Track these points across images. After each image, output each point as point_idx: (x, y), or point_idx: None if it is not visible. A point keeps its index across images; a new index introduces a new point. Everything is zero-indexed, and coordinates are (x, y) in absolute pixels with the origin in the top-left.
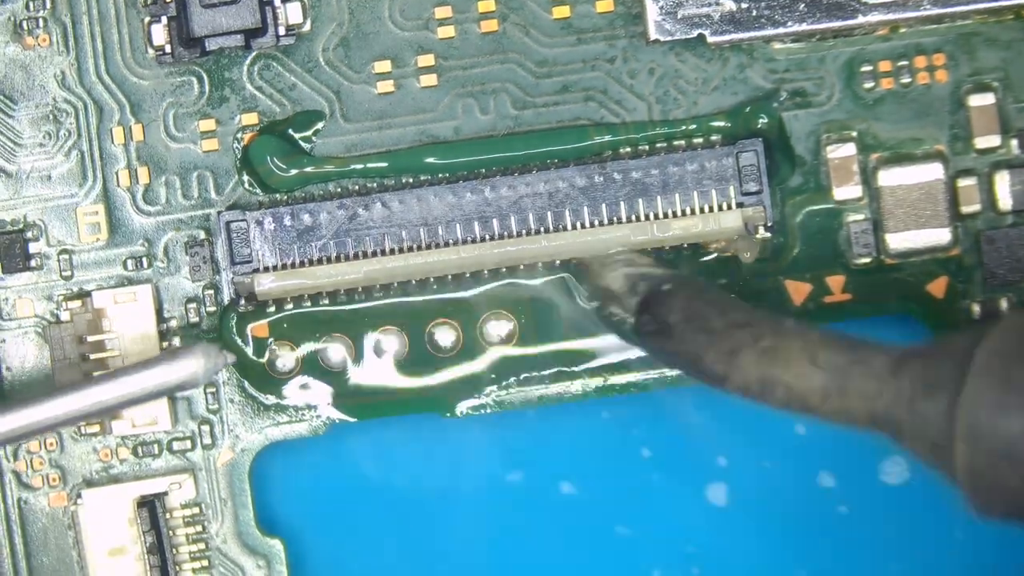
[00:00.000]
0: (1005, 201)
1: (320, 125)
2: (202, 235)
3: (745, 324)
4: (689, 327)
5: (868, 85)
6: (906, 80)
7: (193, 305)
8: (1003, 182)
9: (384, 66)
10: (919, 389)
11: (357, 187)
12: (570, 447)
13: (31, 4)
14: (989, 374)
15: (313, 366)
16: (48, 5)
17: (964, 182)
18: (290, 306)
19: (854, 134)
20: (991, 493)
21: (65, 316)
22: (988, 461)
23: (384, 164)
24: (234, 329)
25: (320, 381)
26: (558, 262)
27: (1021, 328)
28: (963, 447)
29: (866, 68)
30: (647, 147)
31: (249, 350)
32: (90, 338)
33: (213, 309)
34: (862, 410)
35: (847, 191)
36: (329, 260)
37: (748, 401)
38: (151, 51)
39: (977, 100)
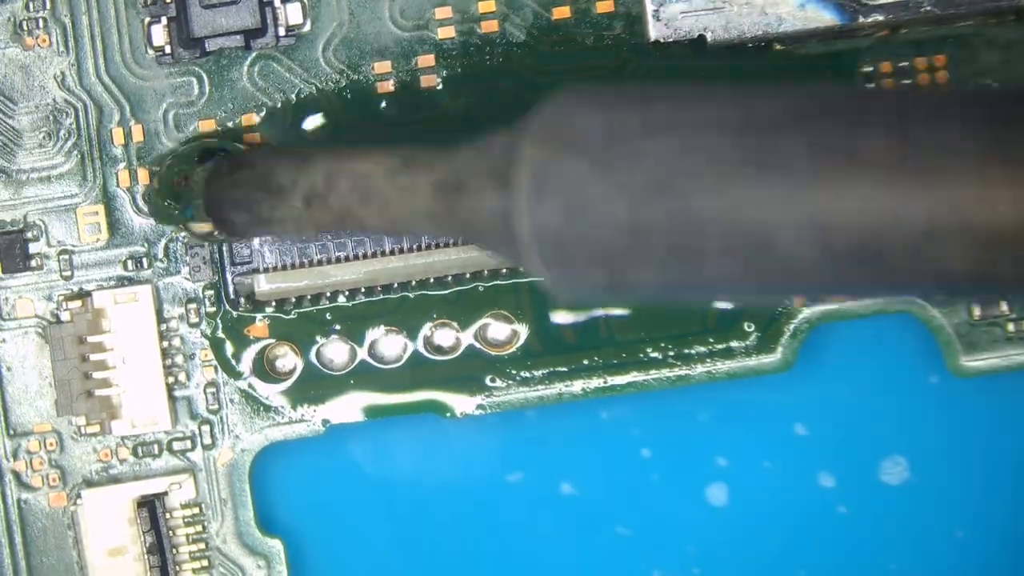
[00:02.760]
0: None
1: (320, 125)
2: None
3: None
4: (268, 154)
5: (869, 86)
6: (906, 81)
7: (193, 306)
8: None
9: (384, 66)
10: (492, 138)
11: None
12: (570, 447)
13: (31, 4)
14: (554, 102)
15: (313, 366)
16: (48, 5)
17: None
18: (290, 306)
19: None
20: (570, 282)
21: (65, 316)
22: (555, 253)
23: None
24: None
25: (320, 381)
26: None
27: (573, 92)
28: (528, 150)
29: (867, 69)
30: None
31: (249, 350)
32: (90, 338)
33: (213, 310)
34: (427, 179)
35: None
36: (329, 261)
37: (301, 220)
38: (151, 52)
39: None
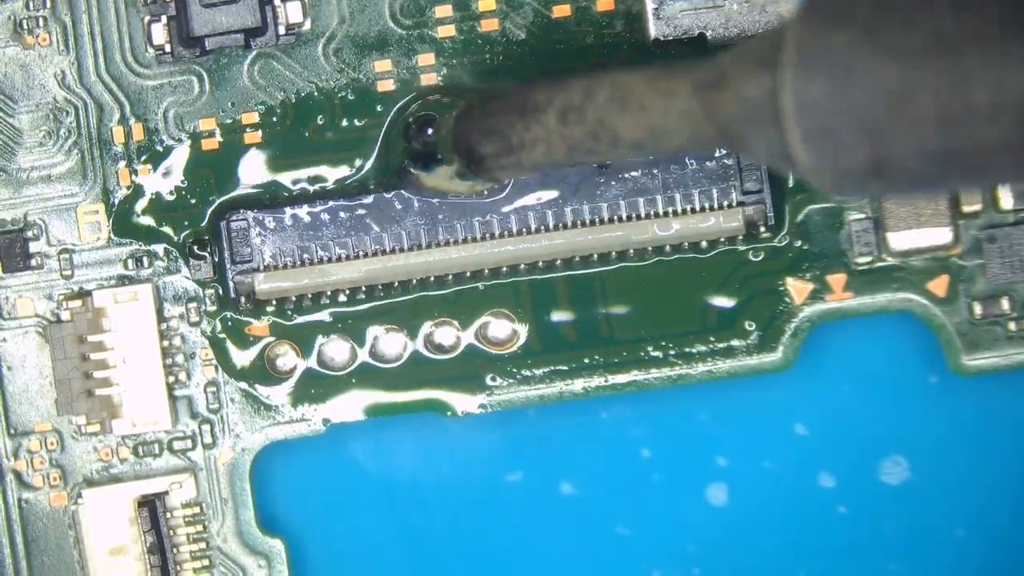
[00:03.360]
0: (1006, 200)
1: (320, 124)
2: (203, 235)
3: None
4: (524, 85)
5: None
6: None
7: (193, 305)
8: None
9: (384, 65)
10: (741, 69)
11: (357, 186)
12: (570, 447)
13: (31, 3)
14: (803, 41)
15: (313, 365)
16: (48, 4)
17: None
18: (290, 305)
19: None
20: (833, 161)
21: (65, 316)
22: (819, 127)
23: (385, 164)
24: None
25: (320, 380)
26: (559, 261)
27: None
28: (792, 116)
29: None
30: None
31: (250, 350)
32: (90, 338)
33: (214, 309)
34: (687, 83)
35: None
36: (329, 259)
37: (554, 138)
38: (151, 50)
39: None
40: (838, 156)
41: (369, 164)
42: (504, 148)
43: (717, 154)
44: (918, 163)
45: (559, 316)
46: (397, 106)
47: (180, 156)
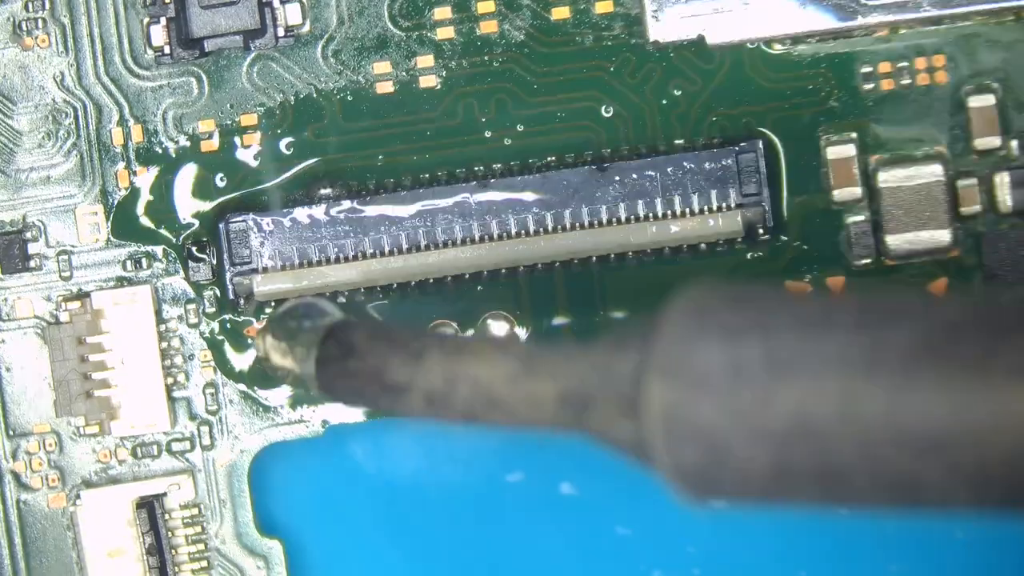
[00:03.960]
0: (1005, 202)
1: (319, 126)
2: (202, 236)
3: (433, 335)
4: (375, 340)
5: (868, 86)
6: (906, 81)
7: (192, 306)
8: (1003, 183)
9: (384, 67)
10: (610, 352)
11: (357, 188)
12: (570, 447)
13: (30, 5)
14: (677, 324)
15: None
16: (47, 6)
17: (964, 183)
18: None
19: (854, 135)
20: (683, 444)
21: (64, 317)
22: (681, 396)
23: (383, 165)
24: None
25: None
26: (557, 263)
27: (699, 296)
28: (655, 387)
29: (866, 69)
30: (646, 148)
31: (248, 351)
32: (89, 339)
33: (213, 310)
34: (551, 391)
35: (847, 192)
36: (328, 261)
37: (429, 416)
38: (150, 52)
39: (977, 101)
40: (719, 502)
41: None
42: (374, 408)
43: (716, 155)
44: (801, 506)
45: (558, 318)
46: None
47: (180, 157)
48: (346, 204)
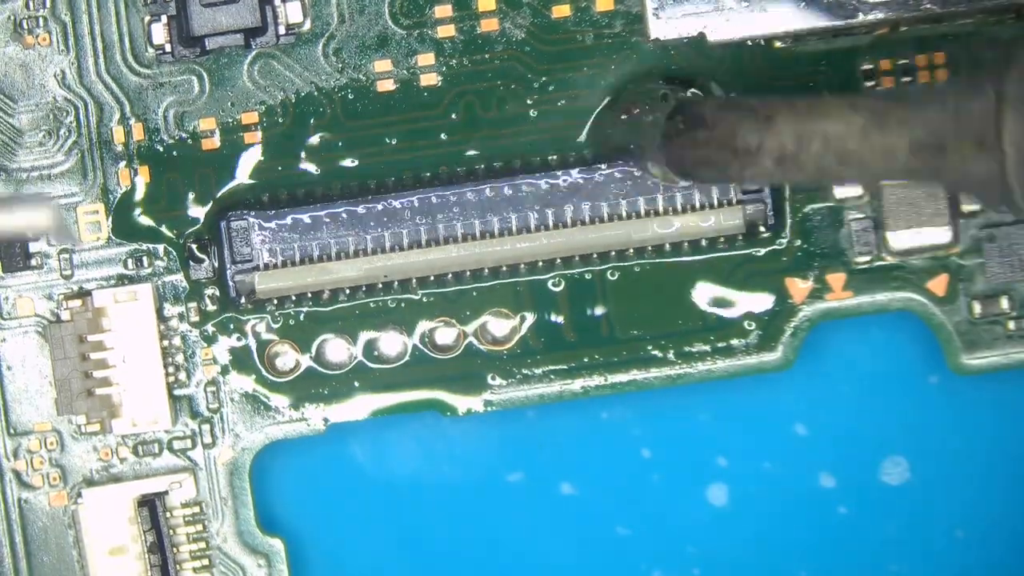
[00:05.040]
0: None
1: (320, 124)
2: (203, 234)
3: (782, 100)
4: (723, 110)
5: (868, 83)
6: (906, 79)
7: (193, 304)
8: None
9: (384, 65)
10: (963, 93)
11: (357, 185)
12: (570, 447)
13: (31, 3)
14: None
15: (313, 364)
16: (48, 4)
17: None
18: (290, 304)
19: None
20: None
21: (65, 315)
22: None
23: (384, 163)
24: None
25: (320, 379)
26: (558, 260)
27: None
28: (1014, 119)
29: (867, 66)
30: None
31: (249, 349)
32: (90, 337)
33: (214, 308)
34: (904, 140)
35: (848, 189)
36: (329, 258)
37: (779, 177)
38: (151, 50)
39: None
40: None
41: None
42: (724, 178)
43: None
44: None
45: (558, 315)
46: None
47: (181, 155)
48: (347, 201)
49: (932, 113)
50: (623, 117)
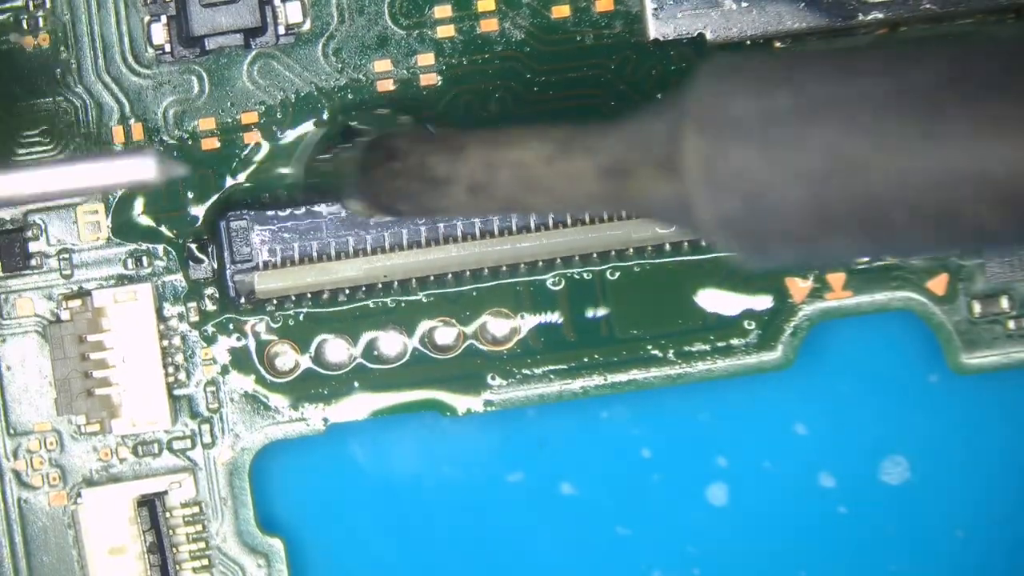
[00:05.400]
0: None
1: (320, 124)
2: (203, 234)
3: (471, 132)
4: (417, 143)
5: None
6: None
7: (193, 304)
8: None
9: (384, 65)
10: (646, 118)
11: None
12: (570, 447)
13: (31, 3)
14: (709, 80)
15: (313, 364)
16: (48, 4)
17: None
18: (290, 304)
19: None
20: (723, 190)
21: (65, 315)
22: (717, 143)
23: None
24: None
25: (320, 379)
26: (559, 260)
27: (720, 69)
28: (690, 139)
29: None
30: None
31: (249, 349)
32: (90, 337)
33: (213, 308)
34: (589, 166)
35: None
36: (329, 258)
37: (473, 209)
38: (151, 50)
39: None
40: (764, 258)
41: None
42: (419, 210)
43: None
44: (846, 255)
45: (558, 315)
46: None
47: (181, 156)
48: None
49: (615, 139)
50: (324, 156)
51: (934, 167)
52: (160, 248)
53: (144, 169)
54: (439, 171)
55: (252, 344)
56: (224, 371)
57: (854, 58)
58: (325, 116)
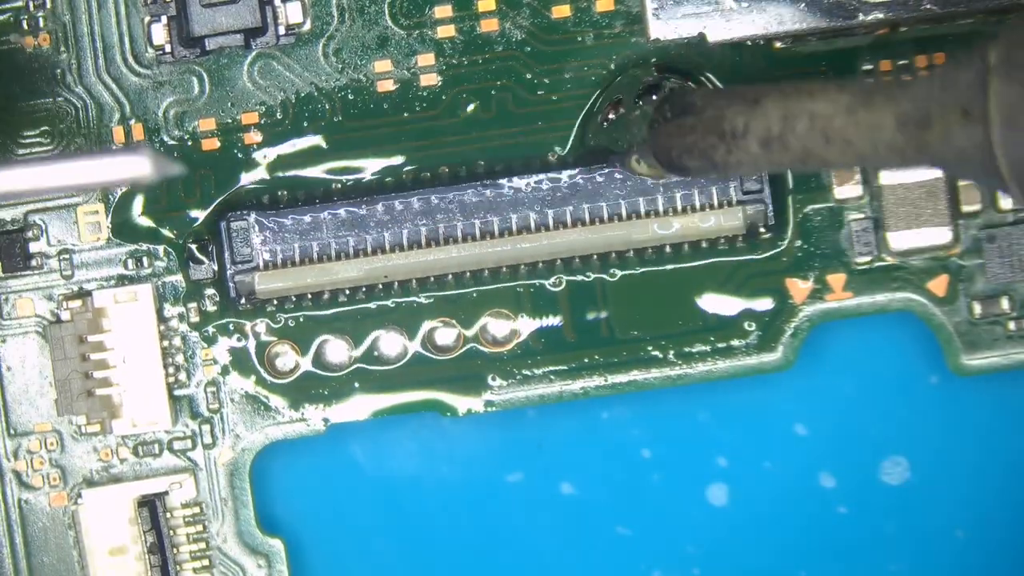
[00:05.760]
0: (1005, 200)
1: (321, 124)
2: (203, 235)
3: (771, 84)
4: (712, 97)
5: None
6: (907, 79)
7: (193, 304)
8: None
9: (384, 65)
10: (949, 67)
11: (358, 185)
12: (570, 447)
13: (31, 3)
14: (1011, 66)
15: (313, 365)
16: (48, 5)
17: (965, 181)
18: (291, 305)
19: None
20: None
21: (65, 316)
22: None
23: (384, 162)
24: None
25: (320, 380)
26: (558, 261)
27: (1015, 50)
28: (1001, 86)
29: (867, 67)
30: None
31: (250, 350)
32: (90, 338)
33: (214, 309)
34: (890, 116)
35: (848, 190)
36: (330, 258)
37: (765, 163)
38: (151, 50)
39: None
40: None
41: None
42: (709, 165)
43: None
44: None
45: (558, 316)
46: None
47: (181, 157)
48: (348, 201)
49: (918, 87)
50: (610, 118)
51: None
52: (160, 249)
53: (139, 167)
54: (735, 123)
55: (252, 345)
56: (224, 371)
57: None
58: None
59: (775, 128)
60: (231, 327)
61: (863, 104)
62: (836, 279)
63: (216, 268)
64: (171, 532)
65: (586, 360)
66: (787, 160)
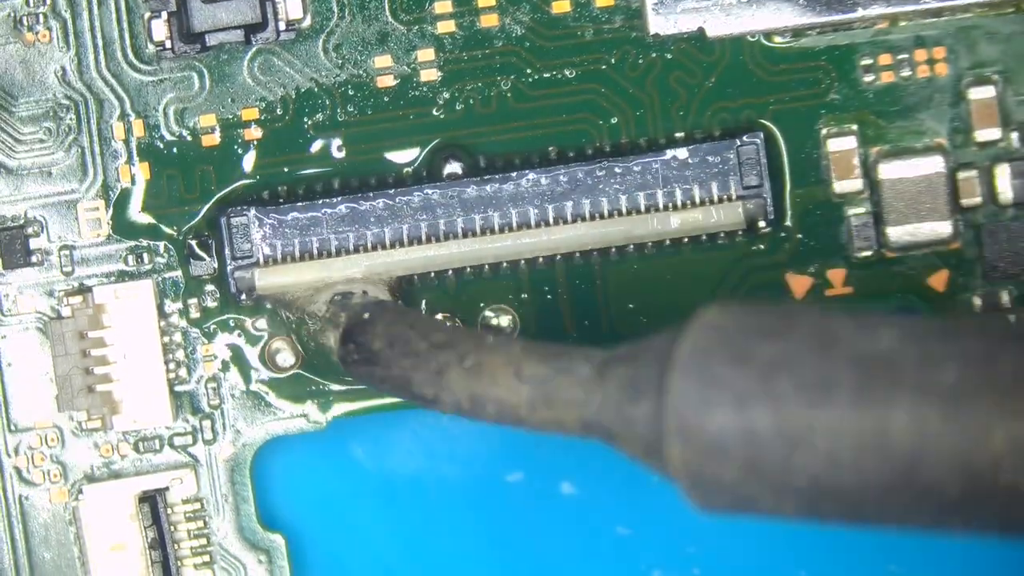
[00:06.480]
0: (1005, 194)
1: (320, 120)
2: (204, 231)
3: (447, 344)
4: (394, 352)
5: (868, 78)
6: (906, 73)
7: (194, 300)
8: (1003, 175)
9: (385, 61)
10: (624, 393)
11: (358, 181)
12: (570, 447)
13: (31, 0)
14: (689, 372)
15: (314, 361)
16: (48, 1)
17: (964, 175)
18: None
19: (854, 127)
20: (708, 488)
21: (66, 312)
22: (700, 458)
23: (384, 158)
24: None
25: (320, 375)
26: (558, 256)
27: (714, 323)
28: (675, 447)
29: (866, 61)
30: (647, 141)
31: (250, 346)
32: (91, 334)
33: (214, 304)
34: (572, 418)
35: (848, 184)
36: (330, 254)
37: (465, 418)
38: (151, 46)
39: (977, 93)
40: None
41: None
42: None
43: (717, 147)
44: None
45: (559, 311)
46: None
47: (182, 151)
48: (348, 197)
49: (598, 404)
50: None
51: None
52: (161, 244)
53: None
54: (424, 391)
55: (253, 340)
56: (225, 367)
57: (830, 367)
58: None
59: (464, 404)
60: (232, 323)
61: (544, 404)
62: (836, 274)
63: (216, 264)
64: (172, 528)
65: None
66: (479, 420)
